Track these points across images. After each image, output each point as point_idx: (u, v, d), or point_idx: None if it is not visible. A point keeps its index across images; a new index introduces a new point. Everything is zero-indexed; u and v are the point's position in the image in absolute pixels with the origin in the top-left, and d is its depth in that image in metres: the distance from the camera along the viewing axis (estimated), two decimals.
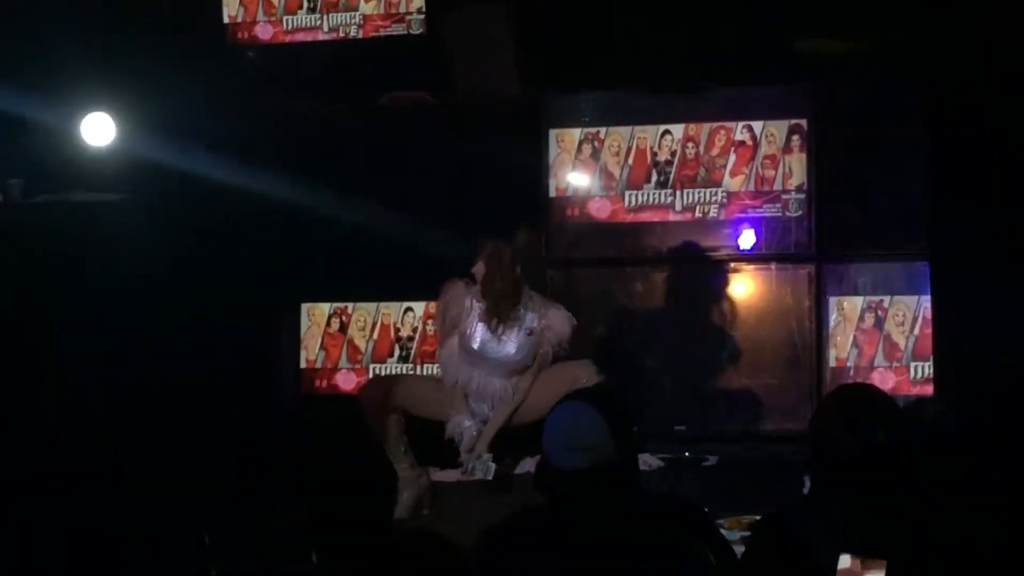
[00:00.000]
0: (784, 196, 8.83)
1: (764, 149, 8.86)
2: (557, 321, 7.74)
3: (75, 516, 3.47)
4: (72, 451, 5.45)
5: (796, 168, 8.82)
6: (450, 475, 8.65)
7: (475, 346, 7.67)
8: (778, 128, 8.84)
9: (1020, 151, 4.73)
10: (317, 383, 9.55)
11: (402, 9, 10.00)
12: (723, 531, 4.90)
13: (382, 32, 10.07)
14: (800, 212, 8.81)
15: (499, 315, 7.63)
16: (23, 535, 3.67)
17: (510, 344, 7.67)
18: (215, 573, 4.60)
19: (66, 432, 6.29)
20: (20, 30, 9.25)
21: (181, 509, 4.07)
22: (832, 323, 8.76)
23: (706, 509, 4.75)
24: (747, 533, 4.73)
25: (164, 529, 3.73)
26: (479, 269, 7.60)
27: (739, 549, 4.56)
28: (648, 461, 8.13)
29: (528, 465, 8.37)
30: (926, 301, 7.83)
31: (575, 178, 9.18)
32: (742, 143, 8.88)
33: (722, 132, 8.92)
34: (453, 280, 7.81)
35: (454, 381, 7.78)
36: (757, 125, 8.86)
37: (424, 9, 9.92)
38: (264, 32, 10.30)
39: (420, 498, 7.69)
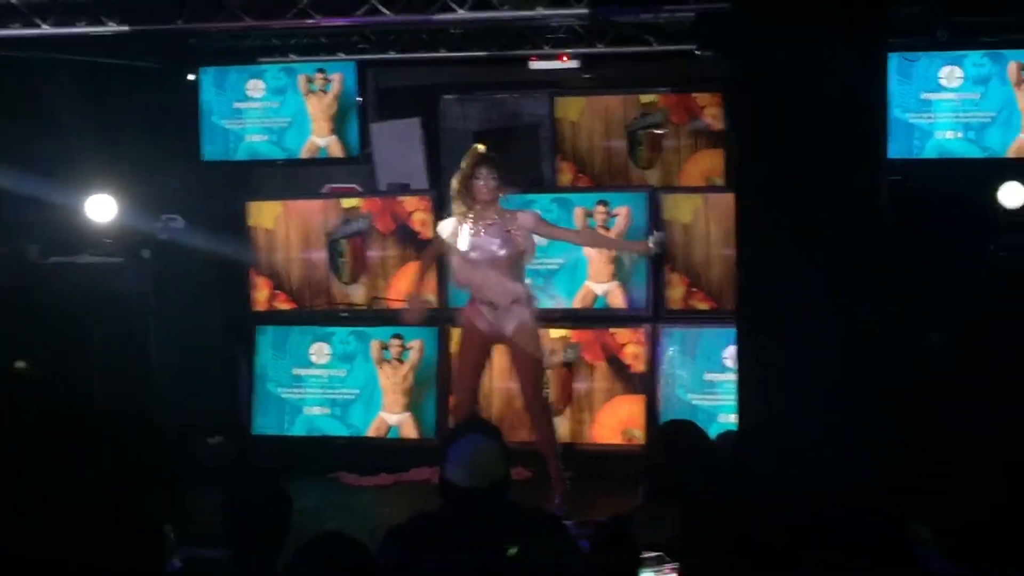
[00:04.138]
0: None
1: None
2: (523, 218, 7.65)
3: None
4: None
5: None
6: (360, 480, 8.61)
7: (465, 247, 7.56)
8: None
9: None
10: None
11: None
12: (574, 531, 4.83)
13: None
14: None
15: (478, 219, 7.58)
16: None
17: (493, 243, 7.56)
18: (179, 563, 4.49)
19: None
20: (43, 130, 9.10)
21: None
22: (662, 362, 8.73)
23: (561, 514, 4.72)
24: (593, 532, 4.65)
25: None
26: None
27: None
28: (520, 473, 8.04)
29: (425, 474, 8.30)
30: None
31: None
32: None
33: None
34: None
35: (464, 283, 7.71)
36: None
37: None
38: None
39: None
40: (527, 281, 7.74)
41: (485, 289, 7.59)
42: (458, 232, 7.61)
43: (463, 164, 7.60)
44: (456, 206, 7.63)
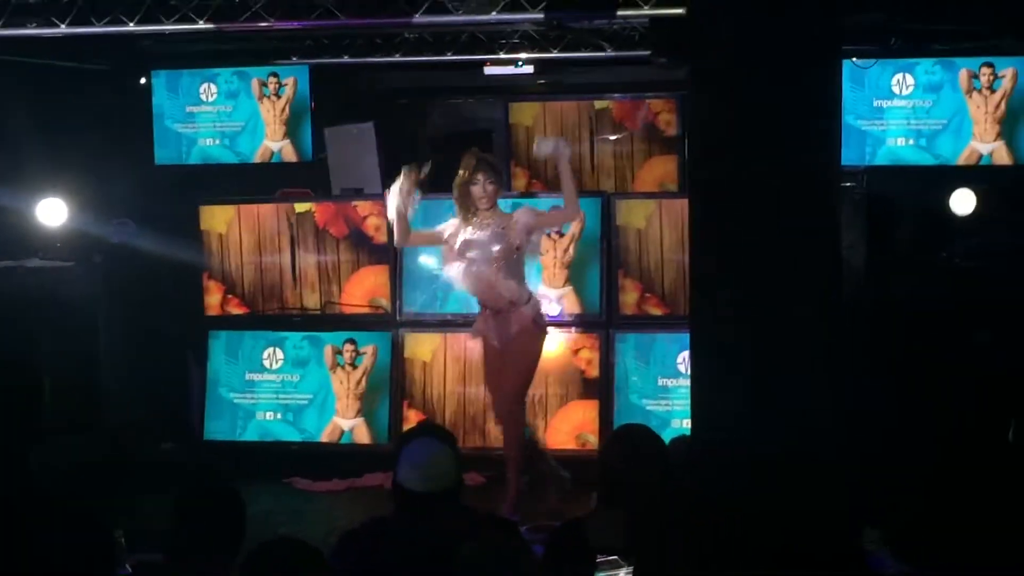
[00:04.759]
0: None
1: None
2: (521, 215, 7.52)
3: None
4: None
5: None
6: (314, 485, 8.56)
7: (458, 246, 7.46)
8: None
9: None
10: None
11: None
12: (528, 536, 4.82)
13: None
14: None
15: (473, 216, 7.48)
16: None
17: (485, 241, 7.45)
18: (129, 568, 4.43)
19: None
20: None
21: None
22: (616, 367, 8.72)
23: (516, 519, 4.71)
24: (547, 537, 4.64)
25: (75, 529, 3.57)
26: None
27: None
28: (474, 478, 8.01)
29: (379, 479, 8.27)
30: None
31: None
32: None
33: None
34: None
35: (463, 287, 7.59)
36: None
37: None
38: None
39: None
40: (531, 287, 7.66)
41: (481, 291, 7.50)
42: (458, 234, 7.53)
43: (461, 170, 7.49)
44: (457, 212, 7.53)
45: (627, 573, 4.32)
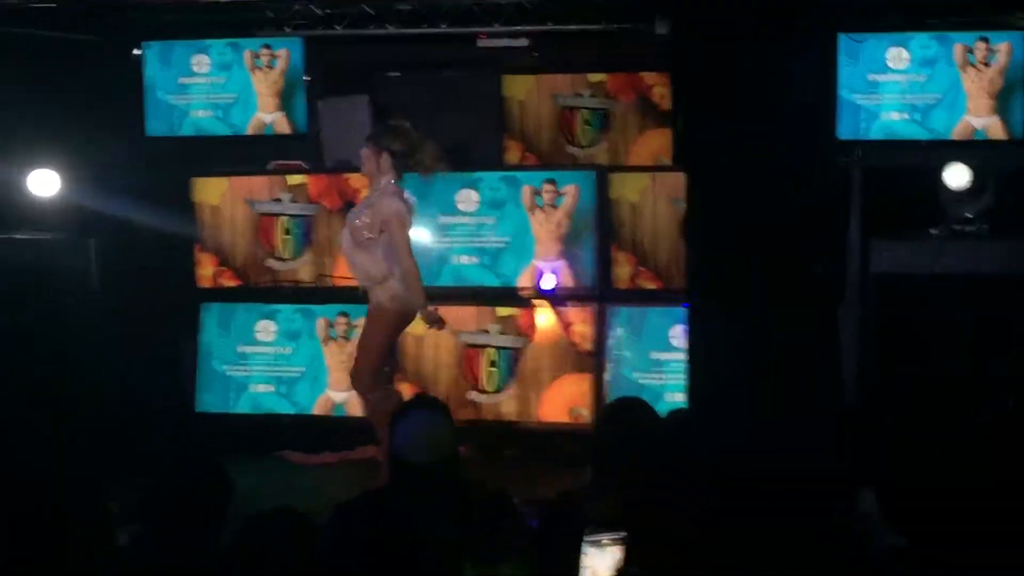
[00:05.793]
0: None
1: None
2: (384, 203, 7.33)
3: None
4: None
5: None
6: (306, 458, 8.55)
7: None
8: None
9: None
10: None
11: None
12: (521, 509, 4.80)
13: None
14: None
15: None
16: None
17: (358, 208, 7.56)
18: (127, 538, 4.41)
19: None
20: None
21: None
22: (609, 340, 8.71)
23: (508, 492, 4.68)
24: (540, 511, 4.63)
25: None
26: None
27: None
28: (463, 452, 7.99)
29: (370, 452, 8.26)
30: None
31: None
32: None
33: None
34: None
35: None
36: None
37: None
38: None
39: None
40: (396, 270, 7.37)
41: (345, 259, 7.58)
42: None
43: None
44: None
45: (619, 543, 4.31)
